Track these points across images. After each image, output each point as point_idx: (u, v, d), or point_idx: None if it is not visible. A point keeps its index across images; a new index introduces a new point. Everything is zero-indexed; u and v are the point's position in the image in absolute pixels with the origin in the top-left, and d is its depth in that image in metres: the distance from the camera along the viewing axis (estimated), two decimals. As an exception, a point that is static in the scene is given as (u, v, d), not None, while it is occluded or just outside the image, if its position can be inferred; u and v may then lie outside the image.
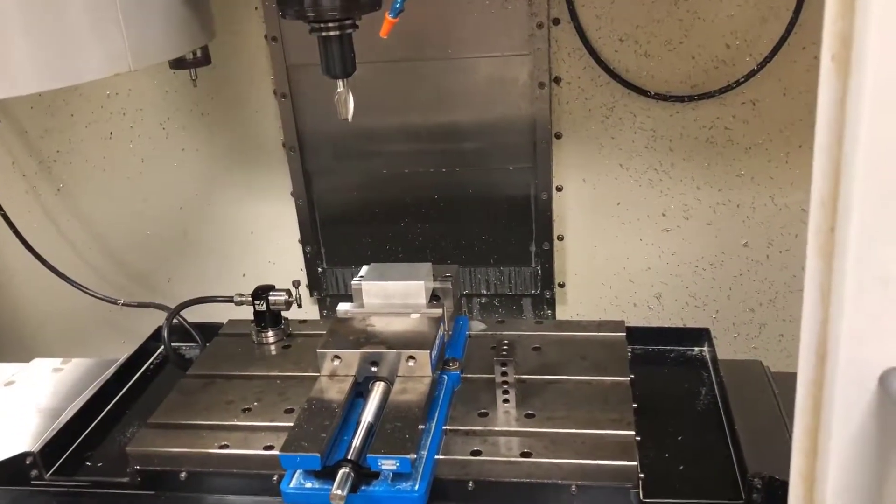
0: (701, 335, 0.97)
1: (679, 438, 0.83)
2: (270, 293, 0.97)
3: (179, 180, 1.29)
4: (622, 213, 1.19)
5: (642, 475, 0.73)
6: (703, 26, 1.06)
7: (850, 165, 0.37)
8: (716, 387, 0.90)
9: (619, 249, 1.22)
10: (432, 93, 1.17)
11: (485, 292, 1.27)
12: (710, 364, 0.94)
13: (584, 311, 1.26)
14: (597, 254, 1.23)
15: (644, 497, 0.72)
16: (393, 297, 0.88)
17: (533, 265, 1.24)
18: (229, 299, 1.02)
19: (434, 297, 0.89)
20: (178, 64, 0.98)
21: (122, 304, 1.20)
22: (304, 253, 1.27)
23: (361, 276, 0.90)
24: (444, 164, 1.21)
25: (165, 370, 1.02)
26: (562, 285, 1.25)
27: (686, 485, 0.77)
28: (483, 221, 1.23)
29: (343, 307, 0.89)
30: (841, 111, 0.37)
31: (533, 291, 1.25)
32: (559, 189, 1.20)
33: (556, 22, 1.10)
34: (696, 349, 0.98)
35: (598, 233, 1.22)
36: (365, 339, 0.85)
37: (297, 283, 0.99)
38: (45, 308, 1.39)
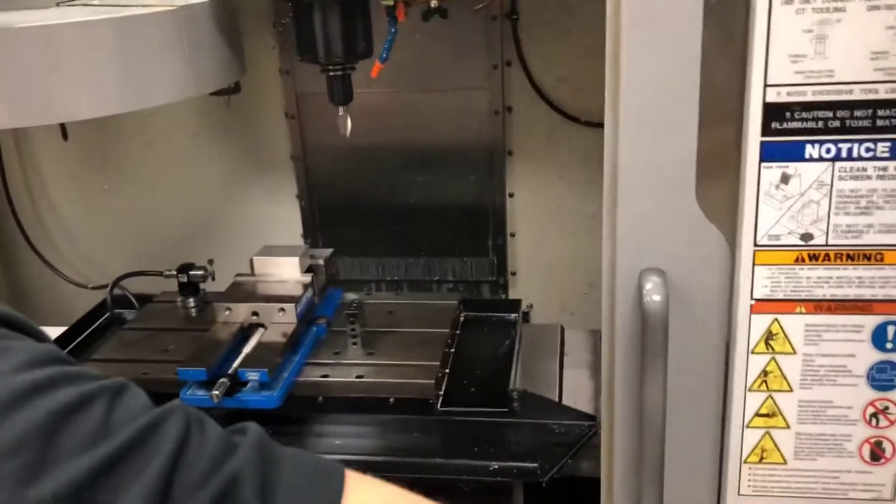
0: (514, 305, 1.35)
1: (477, 371, 1.19)
2: (190, 270, 1.31)
3: (205, 185, 1.58)
4: (561, 215, 1.50)
5: (441, 392, 1.10)
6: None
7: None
8: (516, 341, 1.27)
9: (558, 245, 1.52)
10: (412, 117, 1.47)
11: (451, 279, 1.56)
12: (516, 326, 1.31)
13: (531, 294, 1.56)
14: (541, 248, 1.53)
15: (440, 406, 1.09)
16: (276, 267, 1.24)
17: (490, 257, 1.54)
18: (159, 273, 1.35)
19: (310, 271, 1.25)
20: (216, 92, 1.27)
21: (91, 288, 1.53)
22: (306, 245, 1.56)
23: (257, 253, 1.26)
24: (421, 174, 1.50)
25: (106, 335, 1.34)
26: (513, 273, 1.55)
27: (471, 399, 1.11)
28: (450, 221, 1.52)
29: (239, 276, 1.25)
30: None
31: (490, 278, 1.55)
32: (511, 195, 1.50)
33: (509, 64, 1.41)
34: (513, 315, 1.34)
35: (541, 231, 1.52)
36: (250, 296, 1.19)
37: (211, 261, 1.33)
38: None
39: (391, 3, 1.06)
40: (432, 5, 1.06)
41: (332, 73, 1.11)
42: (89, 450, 0.35)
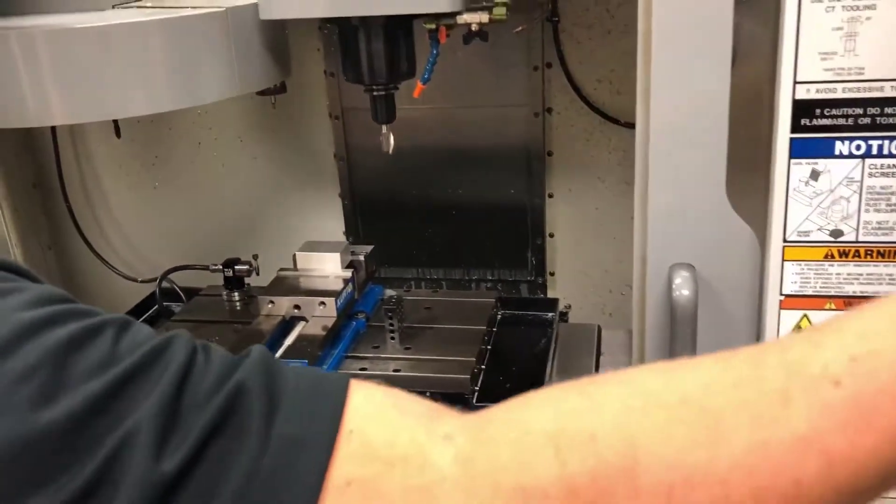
0: (552, 304, 1.35)
1: (513, 368, 1.21)
2: (236, 264, 1.35)
3: (251, 183, 1.62)
4: (600, 216, 1.51)
5: (477, 387, 1.13)
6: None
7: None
8: (552, 340, 1.27)
9: (597, 246, 1.53)
10: (453, 121, 1.49)
11: (490, 278, 1.58)
12: (553, 324, 1.31)
13: (569, 294, 1.57)
14: (579, 249, 1.54)
15: (475, 401, 1.11)
16: (318, 262, 1.28)
17: (528, 257, 1.55)
18: (206, 267, 1.38)
19: (350, 267, 1.28)
20: (262, 91, 1.31)
21: (140, 281, 1.58)
22: (347, 242, 1.59)
23: (299, 249, 1.29)
24: (461, 175, 1.52)
25: (155, 326, 1.38)
26: (552, 273, 1.56)
27: (506, 395, 1.09)
28: (490, 220, 1.54)
29: (282, 271, 1.28)
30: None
31: (529, 278, 1.56)
32: (550, 196, 1.51)
33: (549, 65, 1.42)
34: (550, 314, 1.33)
35: (580, 232, 1.53)
36: (292, 289, 1.22)
37: (256, 256, 1.36)
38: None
39: (433, 26, 1.08)
40: (473, 29, 1.08)
41: (375, 94, 1.13)
42: (99, 375, 0.37)
